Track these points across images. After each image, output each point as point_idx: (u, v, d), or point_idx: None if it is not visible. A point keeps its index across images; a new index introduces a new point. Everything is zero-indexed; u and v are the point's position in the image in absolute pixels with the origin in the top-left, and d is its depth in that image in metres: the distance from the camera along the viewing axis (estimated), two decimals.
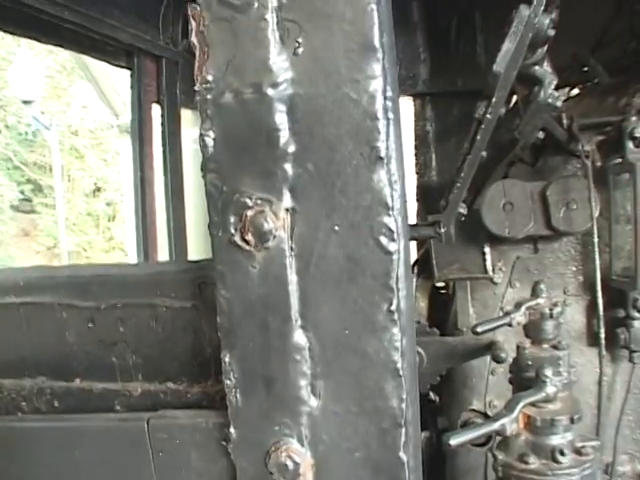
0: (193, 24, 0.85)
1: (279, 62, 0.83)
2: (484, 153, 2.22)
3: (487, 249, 2.67)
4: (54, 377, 1.33)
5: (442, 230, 2.26)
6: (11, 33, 3.02)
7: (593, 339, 2.57)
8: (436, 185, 3.41)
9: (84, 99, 18.83)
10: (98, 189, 20.60)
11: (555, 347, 2.11)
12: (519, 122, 2.37)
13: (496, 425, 1.84)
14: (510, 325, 2.12)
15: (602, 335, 2.41)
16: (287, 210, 0.86)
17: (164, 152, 3.53)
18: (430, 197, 3.38)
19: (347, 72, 0.81)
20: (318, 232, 0.84)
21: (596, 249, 2.40)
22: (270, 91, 0.83)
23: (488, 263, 2.67)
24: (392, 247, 0.82)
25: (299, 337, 0.87)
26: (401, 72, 3.50)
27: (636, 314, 2.46)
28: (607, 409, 2.59)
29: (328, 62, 0.82)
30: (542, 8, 2.11)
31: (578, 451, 1.90)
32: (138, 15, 3.23)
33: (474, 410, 2.75)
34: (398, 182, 0.82)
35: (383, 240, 0.82)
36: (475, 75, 3.15)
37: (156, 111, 3.51)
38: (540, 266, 2.64)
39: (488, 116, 2.17)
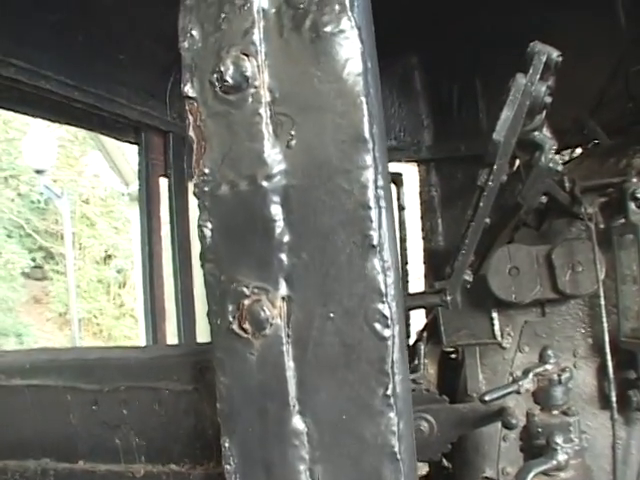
0: (190, 119, 0.89)
1: (273, 155, 0.86)
2: (488, 220, 2.24)
3: (495, 314, 2.66)
4: (58, 459, 1.34)
5: (448, 298, 2.27)
6: (24, 114, 3.12)
7: (605, 402, 2.54)
8: (443, 250, 3.44)
9: (95, 168, 19.16)
10: (109, 256, 20.78)
11: (565, 413, 2.09)
12: (521, 187, 2.40)
13: None
14: (518, 392, 2.11)
15: (613, 398, 2.38)
16: (283, 298, 0.88)
17: (172, 225, 3.58)
18: (437, 262, 3.40)
19: (339, 163, 0.84)
20: (314, 319, 0.86)
21: (603, 311, 2.39)
22: (265, 183, 0.86)
23: (496, 328, 2.66)
24: (386, 333, 0.84)
25: (297, 422, 0.88)
26: (405, 139, 3.57)
27: None
28: (623, 474, 2.54)
29: (320, 154, 0.85)
30: (538, 76, 2.16)
31: None
32: (146, 92, 3.32)
33: (487, 478, 2.70)
34: (391, 269, 0.84)
35: (377, 326, 0.84)
36: (478, 140, 3.21)
37: (164, 184, 3.58)
38: (548, 330, 2.63)
39: (490, 183, 2.20)
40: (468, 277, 2.32)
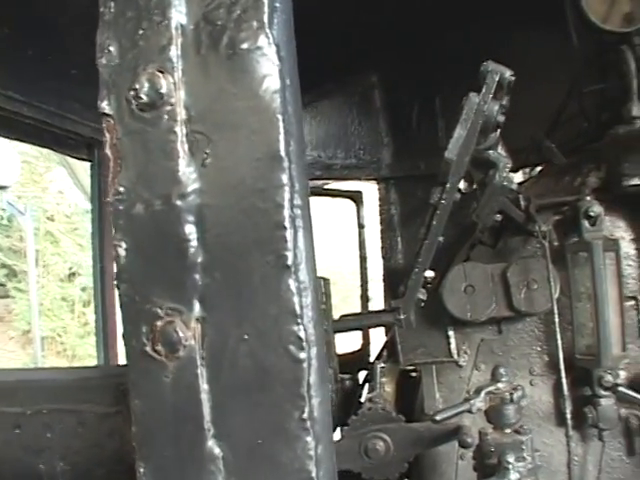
0: (107, 137, 0.87)
1: (188, 173, 0.84)
2: (441, 238, 2.25)
3: (451, 332, 2.67)
4: None
5: (402, 316, 2.27)
6: None
7: (561, 419, 2.54)
8: (402, 268, 3.44)
9: (60, 184, 18.89)
10: (73, 274, 20.39)
11: (518, 432, 2.09)
12: (476, 205, 2.41)
13: None
14: (470, 412, 2.11)
15: (568, 415, 2.39)
16: (197, 319, 0.86)
17: None
18: (397, 280, 3.40)
19: (253, 182, 0.83)
20: (228, 341, 0.84)
21: (557, 328, 2.40)
22: (179, 202, 0.84)
23: (453, 346, 2.66)
24: (302, 355, 0.82)
25: (212, 447, 0.85)
26: (364, 157, 3.58)
27: (602, 392, 2.45)
28: None
29: (235, 172, 0.84)
30: (491, 95, 2.17)
31: None
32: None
33: None
34: (308, 290, 0.83)
35: (292, 349, 0.82)
36: (437, 159, 3.23)
37: None
38: (505, 347, 2.64)
39: (443, 202, 2.21)
40: (422, 295, 2.32)
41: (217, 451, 0.85)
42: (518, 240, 2.64)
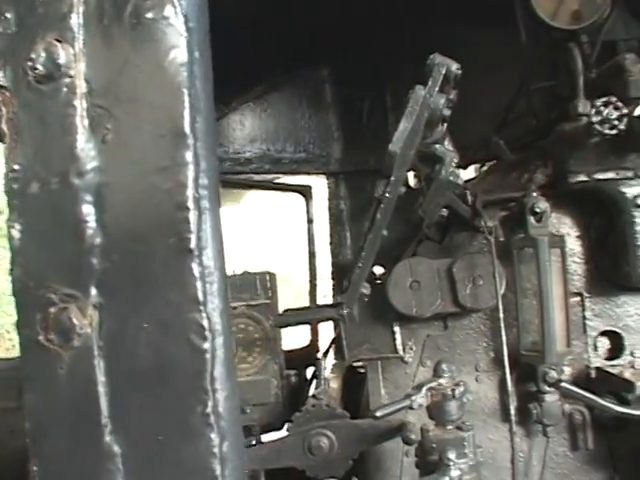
0: (3, 110, 0.81)
1: (87, 150, 0.79)
2: (385, 232, 2.22)
3: (397, 328, 2.64)
4: None
5: (345, 311, 2.23)
6: None
7: (506, 415, 2.53)
8: (351, 264, 3.40)
9: None
10: None
11: (459, 428, 2.07)
12: (422, 200, 2.38)
13: None
14: (411, 407, 2.08)
15: (512, 411, 2.37)
16: (94, 306, 0.80)
17: None
18: (345, 276, 3.37)
19: (156, 160, 0.78)
20: (126, 329, 0.79)
21: (502, 324, 2.39)
22: (76, 180, 0.79)
23: (398, 342, 2.64)
24: (205, 345, 0.77)
25: (110, 444, 0.80)
26: (314, 151, 3.54)
27: (546, 388, 2.44)
28: None
29: (136, 149, 0.78)
30: (437, 88, 2.15)
31: None
32: None
33: None
34: (213, 275, 0.78)
35: (194, 338, 0.77)
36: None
37: None
38: (450, 343, 2.62)
39: (387, 195, 2.18)
40: (366, 290, 2.28)
41: (115, 448, 0.80)
42: (464, 236, 2.62)
